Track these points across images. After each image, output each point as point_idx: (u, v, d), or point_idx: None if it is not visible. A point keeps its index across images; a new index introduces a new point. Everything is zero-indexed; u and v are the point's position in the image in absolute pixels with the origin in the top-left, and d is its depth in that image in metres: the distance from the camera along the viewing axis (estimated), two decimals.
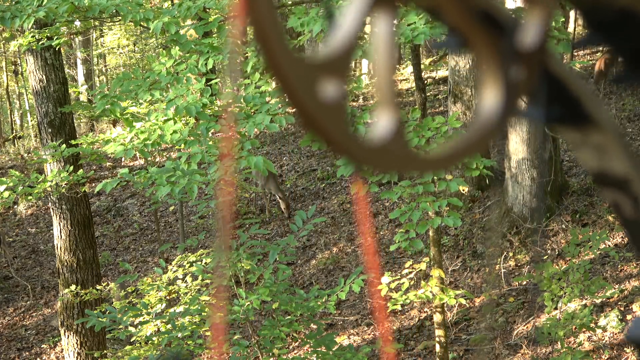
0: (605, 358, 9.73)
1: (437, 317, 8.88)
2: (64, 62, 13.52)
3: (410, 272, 8.91)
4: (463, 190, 12.90)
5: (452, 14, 0.76)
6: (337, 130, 0.66)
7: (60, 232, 11.13)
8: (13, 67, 25.36)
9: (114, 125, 19.05)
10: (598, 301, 10.36)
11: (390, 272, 9.15)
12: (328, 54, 0.66)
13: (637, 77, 0.87)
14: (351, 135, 0.67)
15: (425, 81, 14.77)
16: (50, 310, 14.44)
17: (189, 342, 7.20)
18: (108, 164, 18.28)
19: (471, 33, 0.76)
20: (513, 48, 0.76)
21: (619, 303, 10.52)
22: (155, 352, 7.16)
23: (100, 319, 7.45)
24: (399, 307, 8.71)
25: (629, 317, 10.08)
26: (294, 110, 0.65)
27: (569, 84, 0.87)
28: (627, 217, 0.96)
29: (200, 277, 7.75)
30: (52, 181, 9.50)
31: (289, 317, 7.42)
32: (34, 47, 8.75)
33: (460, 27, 0.77)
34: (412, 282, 9.26)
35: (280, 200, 15.23)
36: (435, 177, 6.82)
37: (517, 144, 12.33)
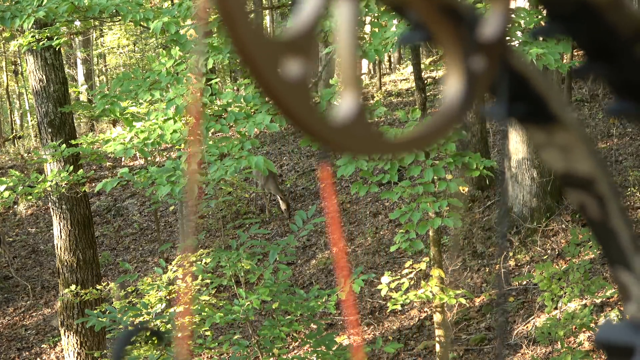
0: (605, 358, 9.73)
1: (437, 317, 8.88)
2: (64, 62, 13.52)
3: (410, 272, 8.91)
4: (463, 190, 12.90)
5: (416, 8, 0.78)
6: (300, 109, 0.66)
7: (60, 232, 11.13)
8: (13, 67, 25.36)
9: (114, 125, 19.04)
10: (598, 301, 10.36)
11: (390, 272, 9.15)
12: (292, 33, 0.66)
13: (596, 68, 0.87)
14: (315, 115, 0.67)
15: (425, 81, 14.77)
16: (50, 310, 14.44)
17: (189, 342, 7.19)
18: (108, 163, 18.27)
19: (435, 26, 0.78)
20: (474, 39, 0.78)
21: (619, 303, 10.52)
22: (155, 352, 7.16)
23: (100, 319, 7.45)
24: (399, 307, 8.71)
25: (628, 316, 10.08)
26: (259, 87, 0.66)
27: (533, 82, 0.87)
28: (593, 218, 0.96)
29: (200, 277, 7.75)
30: (52, 181, 9.50)
31: (289, 317, 7.42)
32: (34, 47, 8.75)
33: (425, 21, 0.79)
34: (412, 282, 9.26)
35: (280, 201, 15.23)
36: (435, 177, 6.82)
37: (517, 143, 12.34)
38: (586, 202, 0.95)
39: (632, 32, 0.82)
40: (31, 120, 23.89)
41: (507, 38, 0.81)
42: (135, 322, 7.39)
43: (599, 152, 0.98)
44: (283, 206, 15.20)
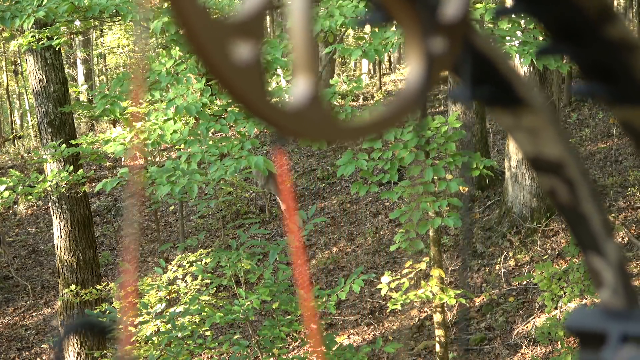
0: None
1: (437, 317, 8.88)
2: (64, 62, 13.52)
3: (410, 272, 8.91)
4: (463, 190, 12.90)
5: None
6: (251, 93, 0.65)
7: (60, 232, 11.13)
8: (13, 67, 25.36)
9: (114, 125, 19.04)
10: (598, 301, 10.36)
11: (390, 272, 9.15)
12: (241, 16, 0.65)
13: (562, 48, 0.85)
14: (267, 99, 0.66)
15: None
16: (50, 310, 14.44)
17: (188, 342, 7.20)
18: (108, 163, 18.27)
19: (393, 6, 0.76)
20: (433, 20, 0.76)
21: None
22: (155, 352, 7.16)
23: (100, 319, 7.45)
24: (399, 307, 8.71)
25: None
26: (209, 72, 0.64)
27: (499, 65, 0.85)
28: (563, 203, 0.94)
29: (200, 277, 7.75)
30: (52, 181, 9.50)
31: (289, 317, 7.42)
32: (34, 47, 8.75)
33: (384, 2, 0.77)
34: (412, 282, 9.26)
35: (280, 201, 15.24)
36: (435, 177, 6.82)
37: None
38: (556, 186, 0.93)
39: (597, 12, 0.81)
40: (31, 120, 23.89)
41: (471, 18, 0.79)
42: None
43: (568, 136, 0.97)
44: (283, 206, 15.20)
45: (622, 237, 11.80)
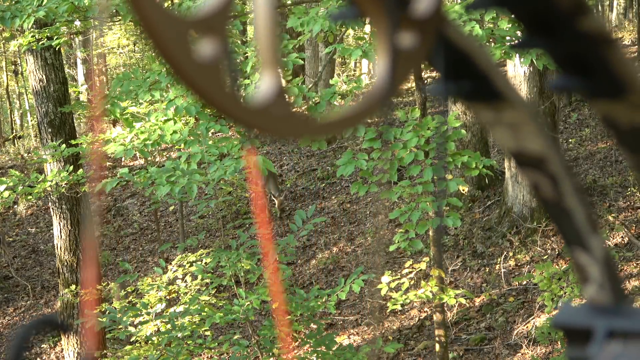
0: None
1: (437, 317, 8.89)
2: (64, 62, 13.51)
3: (410, 272, 8.91)
4: (463, 190, 12.91)
5: None
6: (215, 90, 0.64)
7: (60, 232, 11.13)
8: (13, 67, 25.36)
9: (114, 125, 19.04)
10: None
11: (390, 272, 9.15)
12: (204, 11, 0.64)
13: (536, 42, 0.83)
14: (231, 96, 0.65)
15: (425, 81, 14.77)
16: (50, 310, 14.44)
17: (189, 342, 7.20)
18: (108, 164, 18.27)
19: (364, 1, 0.75)
20: (403, 15, 0.74)
21: None
22: (155, 352, 7.16)
23: (100, 319, 7.45)
24: (399, 307, 8.71)
25: None
26: (169, 69, 0.63)
27: (476, 58, 0.84)
28: (547, 198, 0.94)
29: (200, 277, 7.75)
30: (52, 181, 9.50)
31: (289, 317, 7.42)
32: (34, 47, 8.75)
33: None
34: (412, 282, 9.26)
35: (275, 199, 15.26)
36: (435, 177, 6.82)
37: None
38: (539, 181, 0.93)
39: (571, 5, 0.80)
40: (31, 120, 23.90)
41: (444, 12, 0.78)
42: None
43: (549, 130, 0.96)
44: (276, 204, 15.22)
45: (622, 237, 11.80)
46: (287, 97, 0.68)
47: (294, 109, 0.68)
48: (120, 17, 8.24)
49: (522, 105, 0.88)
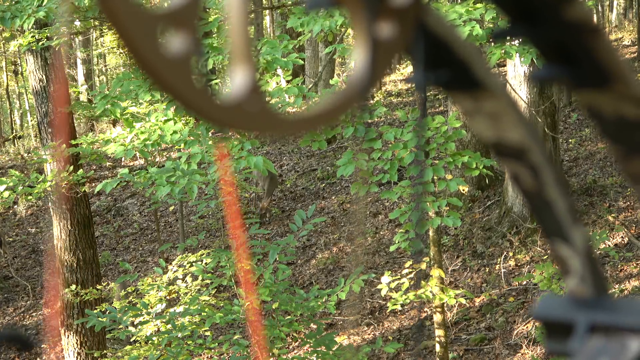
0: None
1: (437, 317, 8.89)
2: (64, 62, 13.51)
3: (410, 272, 8.91)
4: (463, 190, 12.90)
5: None
6: (184, 86, 0.62)
7: (60, 232, 11.13)
8: (13, 67, 25.37)
9: (114, 125, 19.04)
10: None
11: (390, 272, 9.16)
12: (173, 4, 0.62)
13: (520, 30, 0.82)
14: (201, 92, 0.63)
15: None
16: (50, 310, 14.44)
17: (189, 342, 7.20)
18: (108, 164, 18.27)
19: None
20: (382, 3, 0.72)
21: None
22: (155, 352, 7.16)
23: (100, 319, 7.45)
24: (398, 307, 8.71)
25: None
26: (136, 64, 0.61)
27: (455, 47, 0.82)
28: (528, 188, 0.92)
29: (200, 277, 7.75)
30: (52, 181, 9.50)
31: (289, 317, 7.42)
32: (34, 47, 8.75)
33: None
34: (412, 282, 9.26)
35: (263, 199, 15.27)
36: (435, 177, 6.82)
37: None
38: (519, 172, 0.91)
39: None
40: (31, 120, 23.90)
41: (423, 0, 0.75)
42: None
43: (530, 120, 0.95)
44: (263, 204, 15.21)
45: (622, 237, 11.80)
46: (261, 92, 0.66)
47: (267, 105, 0.66)
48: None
49: (503, 94, 0.86)
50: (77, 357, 10.99)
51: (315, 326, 7.77)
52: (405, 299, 8.37)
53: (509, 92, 0.88)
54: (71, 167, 9.94)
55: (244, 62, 0.65)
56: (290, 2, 8.67)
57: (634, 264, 11.21)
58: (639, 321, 0.86)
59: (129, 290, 8.81)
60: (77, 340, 11.00)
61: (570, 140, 15.26)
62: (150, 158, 8.94)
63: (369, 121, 6.94)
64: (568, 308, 0.92)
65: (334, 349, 7.22)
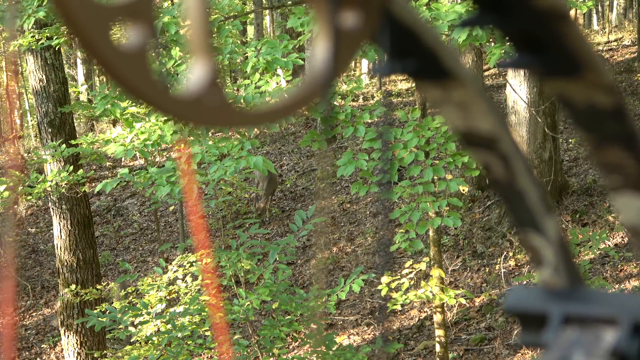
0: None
1: (437, 317, 8.89)
2: (64, 62, 13.51)
3: (410, 272, 8.91)
4: (463, 190, 12.90)
5: None
6: (140, 80, 0.60)
7: (60, 232, 11.13)
8: (13, 67, 25.36)
9: (114, 125, 19.04)
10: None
11: (390, 272, 9.16)
12: None
13: (487, 19, 0.80)
14: (158, 87, 0.61)
15: None
16: (50, 310, 14.45)
17: (189, 342, 7.20)
18: (108, 164, 18.28)
19: None
20: None
21: None
22: (155, 352, 7.16)
23: (100, 319, 7.45)
24: (399, 307, 8.71)
25: None
26: (90, 58, 0.59)
27: (422, 36, 0.80)
28: (499, 178, 0.90)
29: (200, 277, 7.75)
30: (52, 181, 9.50)
31: (289, 317, 7.42)
32: (34, 47, 8.75)
33: None
34: (412, 282, 9.26)
35: (261, 199, 15.27)
36: (435, 177, 6.82)
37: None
38: (490, 162, 0.89)
39: None
40: (31, 121, 23.91)
41: None
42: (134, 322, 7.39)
43: (500, 109, 0.93)
44: (259, 204, 15.22)
45: (622, 237, 11.80)
46: (220, 86, 0.64)
47: (227, 99, 0.65)
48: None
49: (471, 83, 0.84)
50: (77, 357, 10.99)
51: (315, 326, 7.77)
52: (405, 299, 8.37)
53: (478, 81, 0.86)
54: (71, 167, 9.94)
55: (203, 56, 0.63)
56: (290, 2, 8.67)
57: (634, 264, 11.21)
58: (613, 312, 0.85)
59: (129, 290, 8.81)
60: (77, 340, 11.00)
61: (570, 140, 15.26)
62: (150, 158, 8.94)
63: (369, 121, 6.94)
64: (542, 299, 0.90)
65: (334, 349, 7.22)
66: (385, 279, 8.57)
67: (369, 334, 11.64)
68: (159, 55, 0.62)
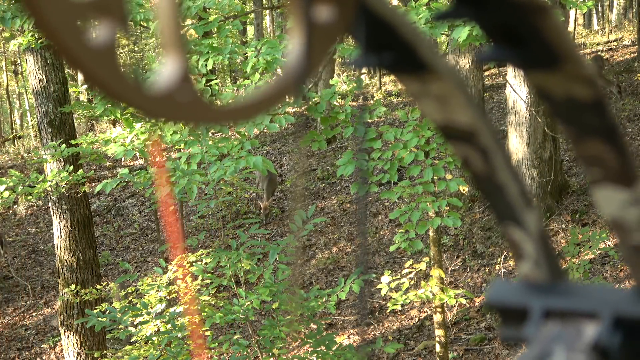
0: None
1: (437, 317, 8.89)
2: (64, 62, 13.50)
3: (410, 272, 8.91)
4: (463, 190, 12.90)
5: None
6: (110, 76, 0.60)
7: (60, 232, 11.13)
8: (13, 67, 25.37)
9: (114, 125, 19.04)
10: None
11: (390, 272, 9.16)
12: None
13: (464, 12, 0.79)
14: (129, 83, 0.61)
15: None
16: (50, 310, 14.45)
17: (189, 342, 7.20)
18: (108, 164, 18.28)
19: None
20: None
21: None
22: (155, 352, 7.16)
23: (100, 319, 7.45)
24: (399, 307, 8.71)
25: None
26: (59, 53, 0.59)
27: (399, 29, 0.79)
28: (478, 172, 0.90)
29: (200, 277, 7.75)
30: (52, 181, 9.50)
31: (289, 317, 7.42)
32: (33, 46, 8.75)
33: None
34: (412, 282, 9.26)
35: (263, 199, 15.28)
36: (435, 177, 6.82)
37: (517, 143, 12.34)
38: (469, 155, 0.89)
39: None
40: (31, 120, 23.90)
41: None
42: (134, 322, 7.40)
43: (479, 102, 0.92)
44: (264, 204, 15.22)
45: None
46: (192, 82, 0.63)
47: (199, 94, 0.64)
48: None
49: (450, 76, 0.83)
50: (77, 357, 10.99)
51: (315, 326, 7.77)
52: (405, 299, 8.37)
53: (457, 74, 0.85)
54: (71, 167, 9.94)
55: (174, 52, 0.62)
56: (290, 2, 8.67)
57: None
58: (594, 306, 0.84)
59: (129, 290, 8.81)
60: (77, 340, 11.00)
61: (570, 140, 15.26)
62: (150, 158, 8.94)
63: (369, 121, 6.94)
64: (522, 293, 0.89)
65: (333, 349, 7.22)
66: (385, 279, 8.57)
67: (369, 334, 11.64)
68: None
